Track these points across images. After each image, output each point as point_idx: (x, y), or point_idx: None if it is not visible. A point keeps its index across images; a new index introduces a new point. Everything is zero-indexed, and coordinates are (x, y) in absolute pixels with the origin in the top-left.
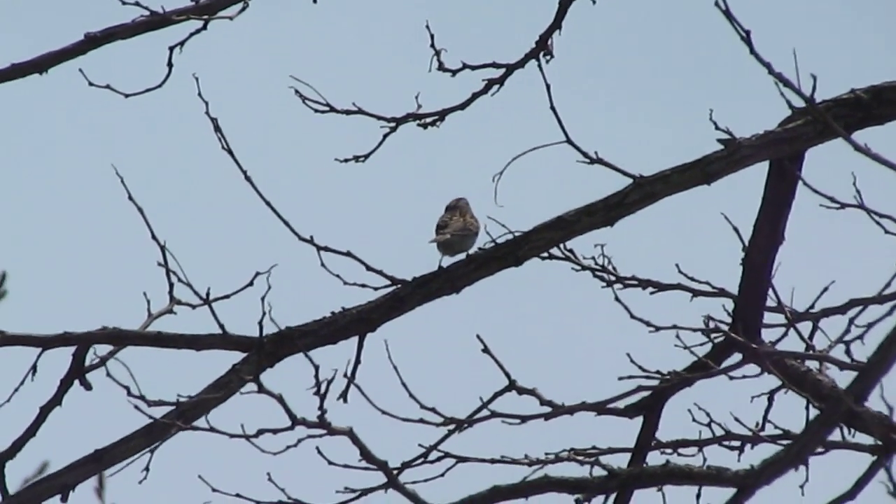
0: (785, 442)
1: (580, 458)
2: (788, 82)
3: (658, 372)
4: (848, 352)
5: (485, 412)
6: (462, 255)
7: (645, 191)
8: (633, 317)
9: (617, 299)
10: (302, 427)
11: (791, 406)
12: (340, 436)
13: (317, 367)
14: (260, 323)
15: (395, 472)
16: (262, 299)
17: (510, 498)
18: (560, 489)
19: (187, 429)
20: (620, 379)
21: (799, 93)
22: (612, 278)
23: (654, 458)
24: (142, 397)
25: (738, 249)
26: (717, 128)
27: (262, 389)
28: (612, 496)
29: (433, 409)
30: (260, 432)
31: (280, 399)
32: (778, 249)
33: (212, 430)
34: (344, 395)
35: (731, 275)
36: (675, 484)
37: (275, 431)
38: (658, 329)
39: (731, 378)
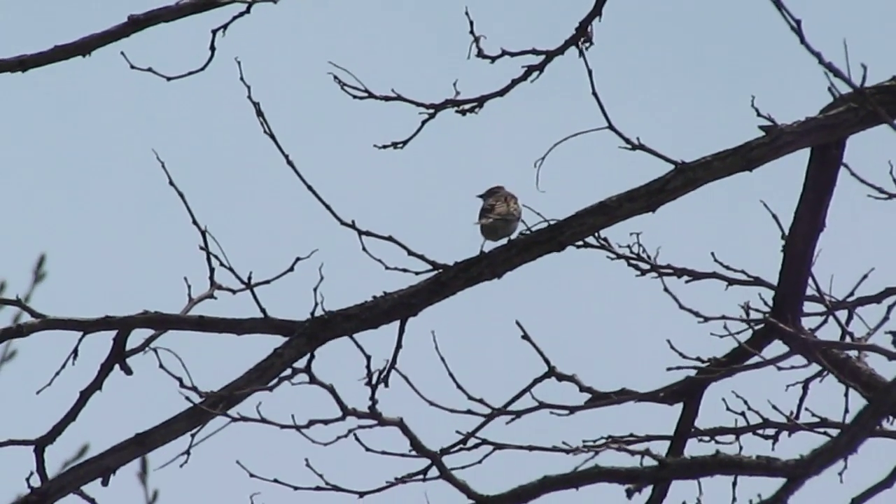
0: (822, 430)
1: (618, 445)
2: (839, 72)
3: (698, 358)
4: (895, 341)
5: (532, 403)
6: (504, 241)
7: (686, 177)
8: (681, 307)
9: (666, 290)
10: (352, 417)
11: (827, 394)
12: (391, 426)
13: (368, 358)
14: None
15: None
16: (315, 290)
17: (560, 488)
18: (611, 479)
19: (239, 420)
20: (670, 370)
21: (849, 82)
22: (647, 267)
23: (692, 447)
24: (194, 388)
25: (779, 237)
26: (758, 114)
27: (313, 380)
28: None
29: (480, 400)
30: (311, 423)
31: (331, 390)
32: (819, 236)
33: (263, 420)
34: (385, 380)
35: (772, 262)
36: (726, 473)
37: (326, 422)
38: (707, 319)
39: (780, 368)
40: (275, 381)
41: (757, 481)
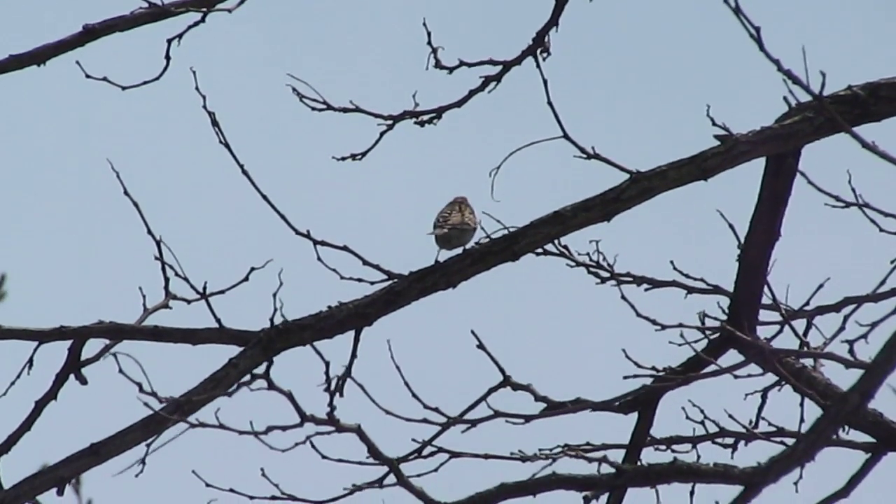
0: (779, 439)
1: (573, 454)
2: (798, 80)
3: (654, 368)
4: (851, 350)
5: (489, 412)
6: (459, 250)
7: (642, 186)
8: (638, 315)
9: (623, 297)
10: (310, 424)
11: (783, 403)
12: (348, 433)
13: (327, 364)
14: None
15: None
16: (274, 295)
17: (518, 495)
18: (568, 486)
19: (197, 426)
20: (626, 378)
21: (809, 90)
22: (607, 275)
23: (648, 455)
24: (154, 394)
25: (735, 246)
26: (714, 124)
27: (272, 386)
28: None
29: (436, 409)
30: (269, 429)
31: (290, 396)
32: (774, 246)
33: (221, 426)
34: (340, 390)
35: (728, 271)
36: (683, 481)
37: (284, 428)
38: (664, 328)
39: (736, 377)
40: (234, 386)
41: (714, 489)
